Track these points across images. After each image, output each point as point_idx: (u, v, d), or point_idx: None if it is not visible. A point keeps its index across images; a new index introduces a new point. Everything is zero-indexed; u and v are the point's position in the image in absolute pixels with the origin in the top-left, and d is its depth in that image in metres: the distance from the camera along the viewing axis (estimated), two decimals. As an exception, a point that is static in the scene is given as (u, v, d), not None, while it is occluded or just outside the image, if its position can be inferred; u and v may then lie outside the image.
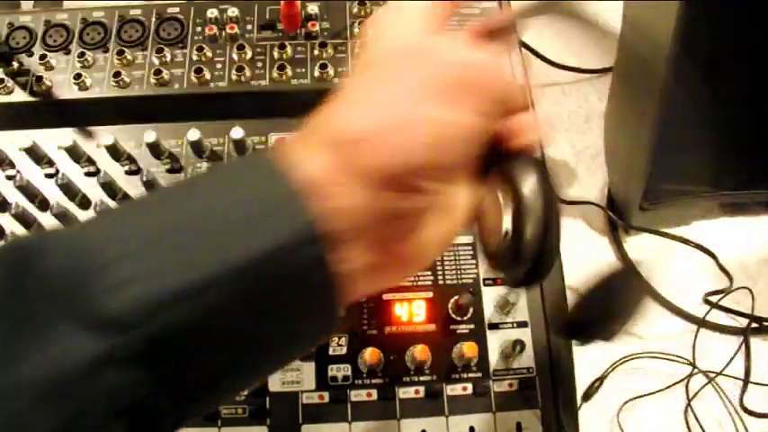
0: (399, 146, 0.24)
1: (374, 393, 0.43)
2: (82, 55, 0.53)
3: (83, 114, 0.51)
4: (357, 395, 0.43)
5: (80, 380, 0.21)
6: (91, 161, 0.50)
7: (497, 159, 0.29)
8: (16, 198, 0.48)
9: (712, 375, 0.59)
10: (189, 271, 0.22)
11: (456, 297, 0.45)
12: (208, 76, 0.52)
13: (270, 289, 0.23)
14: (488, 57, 0.28)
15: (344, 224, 0.24)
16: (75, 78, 0.52)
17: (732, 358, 0.60)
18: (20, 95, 0.52)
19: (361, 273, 0.26)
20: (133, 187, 0.49)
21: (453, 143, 0.26)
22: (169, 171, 0.50)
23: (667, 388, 0.59)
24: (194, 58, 0.53)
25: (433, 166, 0.25)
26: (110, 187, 0.48)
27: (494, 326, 0.45)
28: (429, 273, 0.47)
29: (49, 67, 0.53)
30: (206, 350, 0.23)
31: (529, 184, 0.28)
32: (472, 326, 0.45)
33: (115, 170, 0.49)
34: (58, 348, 0.21)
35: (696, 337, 0.61)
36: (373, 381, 0.44)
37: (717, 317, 0.63)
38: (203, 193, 0.24)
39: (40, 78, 0.51)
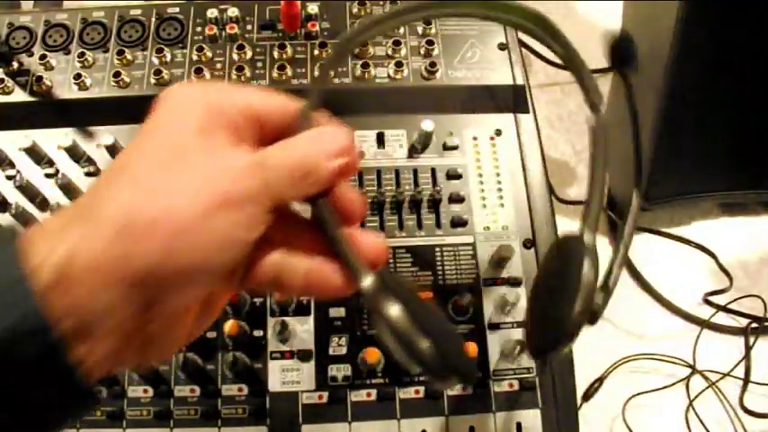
0: (168, 249, 0.23)
1: (374, 393, 0.43)
2: (82, 55, 0.53)
3: (83, 114, 0.51)
4: (357, 395, 0.43)
5: None
6: (91, 161, 0.50)
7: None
8: (16, 198, 0.48)
9: (712, 377, 0.59)
10: None
11: (456, 297, 0.45)
12: (208, 75, 0.52)
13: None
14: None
15: (84, 319, 0.23)
16: (75, 78, 0.52)
17: (734, 367, 0.60)
18: (20, 95, 0.52)
19: (100, 361, 0.24)
20: (133, 187, 0.49)
21: (227, 252, 0.25)
22: (169, 171, 0.50)
23: (666, 387, 0.59)
24: (194, 58, 0.53)
25: (202, 271, 0.24)
26: (110, 187, 0.48)
27: (494, 326, 0.45)
28: (429, 273, 0.47)
29: (49, 67, 0.53)
30: None
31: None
32: (472, 326, 0.45)
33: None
34: None
35: (697, 339, 0.61)
36: (373, 381, 0.44)
37: (717, 317, 0.63)
38: None
39: (40, 78, 0.51)
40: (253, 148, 0.27)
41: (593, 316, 0.33)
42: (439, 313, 0.29)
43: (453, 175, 0.50)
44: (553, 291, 0.33)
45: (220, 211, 0.24)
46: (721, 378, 0.59)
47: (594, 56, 0.80)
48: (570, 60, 0.38)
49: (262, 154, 0.27)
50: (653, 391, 0.59)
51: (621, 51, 0.40)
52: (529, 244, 0.48)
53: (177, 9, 0.56)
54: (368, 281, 0.27)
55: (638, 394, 0.58)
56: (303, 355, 0.44)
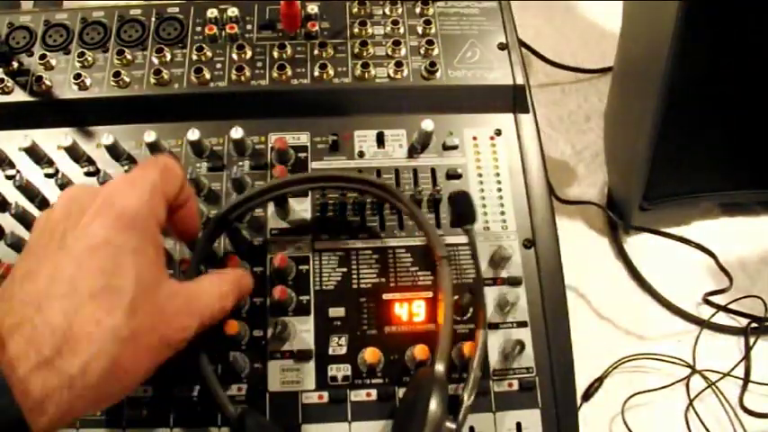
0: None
1: (374, 393, 0.43)
2: (82, 55, 0.53)
3: (83, 114, 0.51)
4: (357, 395, 0.43)
5: None
6: (91, 161, 0.50)
7: None
8: (16, 198, 0.48)
9: (712, 377, 0.59)
10: None
11: (456, 297, 0.45)
12: (208, 75, 0.52)
13: None
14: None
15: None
16: (74, 78, 0.52)
17: (734, 367, 0.60)
18: (20, 95, 0.52)
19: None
20: (133, 187, 0.49)
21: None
22: (169, 171, 0.50)
23: (665, 387, 0.59)
24: (194, 58, 0.53)
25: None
26: (110, 187, 0.48)
27: (494, 326, 0.45)
28: (429, 273, 0.47)
29: (49, 67, 0.53)
30: None
31: None
32: (472, 326, 0.45)
33: (115, 170, 0.49)
34: None
35: (697, 339, 0.62)
36: (373, 381, 0.44)
37: (717, 317, 0.63)
38: None
39: (39, 78, 0.51)
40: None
41: None
42: None
43: (453, 175, 0.50)
44: (405, 425, 0.38)
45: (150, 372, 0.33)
46: (721, 378, 0.59)
47: (594, 56, 0.80)
48: (414, 216, 0.44)
49: (196, 305, 0.35)
50: (653, 390, 0.59)
51: (459, 211, 0.47)
52: (529, 244, 0.48)
53: (177, 9, 0.56)
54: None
55: (638, 394, 0.58)
56: (303, 355, 0.44)
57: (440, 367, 0.40)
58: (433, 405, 0.37)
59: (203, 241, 0.43)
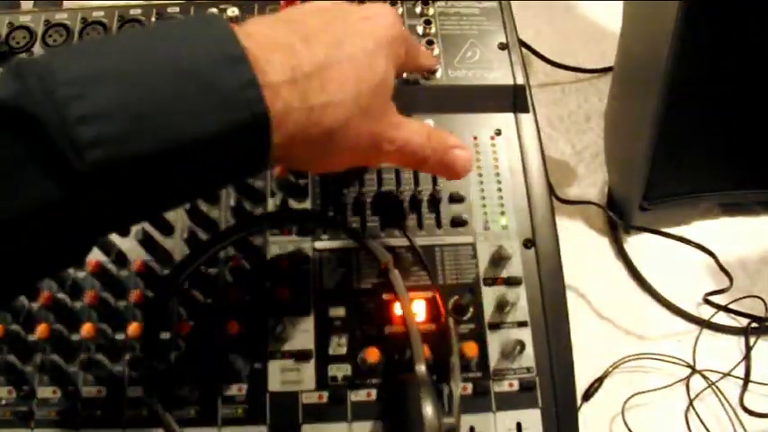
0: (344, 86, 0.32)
1: (374, 393, 0.43)
2: (82, 55, 0.52)
3: (83, 114, 0.51)
4: (357, 395, 0.43)
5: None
6: (91, 161, 0.50)
7: None
8: (16, 198, 0.48)
9: (712, 377, 0.59)
10: (150, 140, 0.25)
11: (456, 297, 0.45)
12: (208, 75, 0.52)
13: (221, 158, 0.28)
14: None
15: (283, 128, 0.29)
16: (75, 78, 0.52)
17: (734, 367, 0.60)
18: (20, 95, 0.51)
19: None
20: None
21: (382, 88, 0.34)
22: (169, 171, 0.50)
23: (665, 387, 0.59)
24: (194, 57, 0.53)
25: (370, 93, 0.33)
26: (110, 187, 0.48)
27: (494, 326, 0.45)
28: (429, 272, 0.47)
29: (49, 67, 0.53)
30: (146, 197, 0.28)
31: None
32: (472, 326, 0.45)
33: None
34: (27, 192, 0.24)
35: (697, 339, 0.62)
36: (373, 381, 0.44)
37: (717, 317, 0.63)
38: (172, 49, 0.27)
39: (39, 78, 0.51)
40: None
41: None
42: None
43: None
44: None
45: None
46: (721, 378, 0.59)
47: (594, 56, 0.80)
48: (349, 231, 0.46)
49: (407, 132, 0.38)
50: (653, 390, 0.59)
51: (387, 211, 0.48)
52: (529, 244, 0.48)
53: (177, 9, 0.56)
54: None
55: (638, 394, 0.58)
56: (303, 355, 0.44)
57: (420, 368, 0.40)
58: (427, 409, 0.37)
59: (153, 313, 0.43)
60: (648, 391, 0.59)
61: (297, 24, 0.32)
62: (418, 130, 0.38)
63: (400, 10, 0.56)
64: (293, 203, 0.48)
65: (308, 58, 0.30)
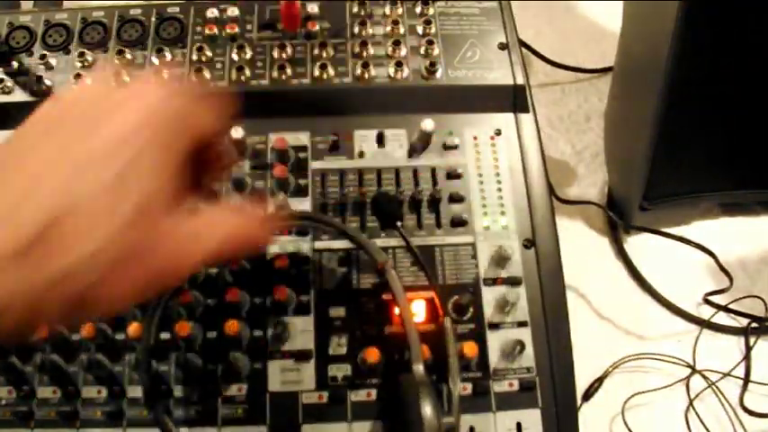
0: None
1: (374, 393, 0.43)
2: (82, 55, 0.53)
3: (83, 114, 0.51)
4: (357, 395, 0.43)
5: None
6: (91, 161, 0.50)
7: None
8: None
9: (712, 377, 0.59)
10: None
11: (456, 297, 0.45)
12: (208, 76, 0.52)
13: None
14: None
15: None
16: (75, 78, 0.52)
17: (734, 367, 0.60)
18: (20, 95, 0.52)
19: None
20: (133, 187, 0.49)
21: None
22: (169, 171, 0.50)
23: (665, 387, 0.59)
24: (194, 57, 0.53)
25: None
26: (110, 187, 0.48)
27: (494, 326, 0.45)
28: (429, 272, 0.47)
29: (49, 67, 0.53)
30: None
31: None
32: (472, 326, 0.45)
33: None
34: None
35: (697, 339, 0.62)
36: (373, 381, 0.44)
37: (717, 317, 0.63)
38: None
39: (39, 78, 0.51)
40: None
41: None
42: None
43: (453, 175, 0.50)
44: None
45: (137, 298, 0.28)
46: (721, 378, 0.59)
47: (594, 56, 0.80)
48: (345, 233, 0.45)
49: (195, 246, 0.30)
50: (653, 390, 0.59)
51: (384, 210, 0.47)
52: (529, 244, 0.48)
53: (177, 9, 0.56)
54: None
55: (638, 394, 0.58)
56: (303, 355, 0.44)
57: (419, 368, 0.40)
58: (427, 409, 0.37)
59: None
60: (648, 391, 0.59)
61: (13, 172, 0.26)
62: (220, 219, 0.32)
63: (400, 10, 0.56)
64: (293, 203, 0.48)
65: (31, 218, 0.24)
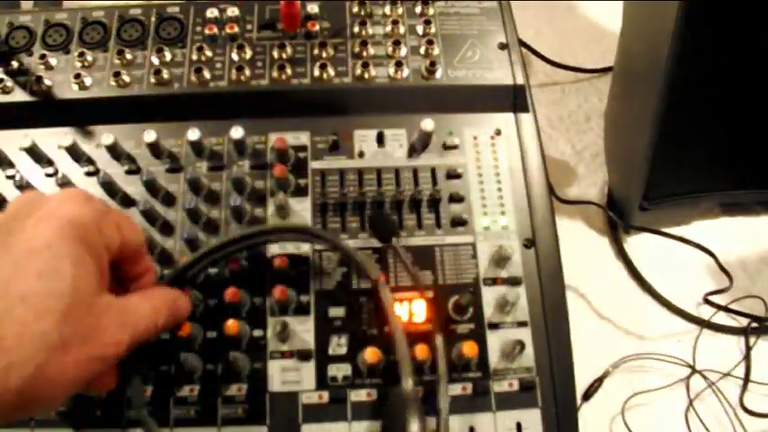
0: None
1: (374, 393, 0.43)
2: (82, 55, 0.53)
3: (83, 114, 0.51)
4: (357, 395, 0.43)
5: None
6: (91, 161, 0.50)
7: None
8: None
9: (712, 377, 0.59)
10: None
11: (456, 297, 0.45)
12: (208, 75, 0.52)
13: None
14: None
15: None
16: (74, 78, 0.52)
17: (735, 367, 0.60)
18: (20, 95, 0.52)
19: None
20: (133, 187, 0.49)
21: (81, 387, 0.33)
22: (169, 171, 0.50)
23: (665, 387, 0.59)
24: (194, 57, 0.53)
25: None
26: (110, 187, 0.48)
27: (494, 326, 0.45)
28: (429, 272, 0.47)
29: (49, 67, 0.53)
30: None
31: None
32: (472, 326, 0.45)
33: (115, 170, 0.49)
34: None
35: (697, 339, 0.62)
36: (373, 381, 0.44)
37: (717, 317, 0.63)
38: None
39: (39, 78, 0.51)
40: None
41: None
42: None
43: (453, 175, 0.50)
44: None
45: (80, 385, 0.31)
46: (721, 378, 0.59)
47: (594, 56, 0.80)
48: (340, 248, 0.45)
49: (129, 319, 0.34)
50: (653, 390, 0.59)
51: (380, 228, 0.48)
52: (529, 244, 0.48)
53: (177, 9, 0.56)
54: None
55: (638, 394, 0.58)
56: (303, 355, 0.44)
57: (407, 385, 0.40)
58: (413, 428, 0.38)
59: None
60: (648, 390, 0.59)
61: None
62: (141, 303, 0.36)
63: (400, 10, 0.56)
64: (293, 203, 0.48)
65: None
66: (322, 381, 0.43)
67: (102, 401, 0.42)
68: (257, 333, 0.45)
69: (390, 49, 0.54)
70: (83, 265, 0.31)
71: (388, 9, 0.56)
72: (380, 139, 0.51)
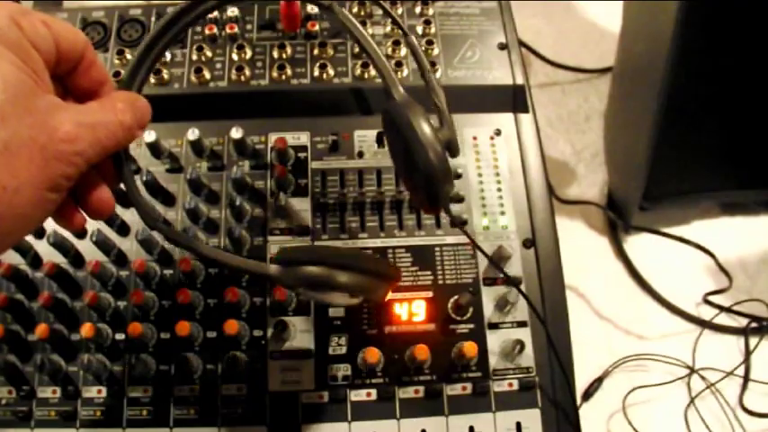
0: None
1: (374, 393, 0.43)
2: (82, 55, 0.53)
3: (83, 114, 0.51)
4: (357, 395, 0.43)
5: None
6: (91, 161, 0.50)
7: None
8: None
9: (712, 377, 0.59)
10: None
11: (456, 297, 0.45)
12: (208, 75, 0.52)
13: None
14: None
15: None
16: (75, 78, 0.52)
17: (736, 368, 0.60)
18: (20, 95, 0.51)
19: None
20: (133, 187, 0.49)
21: (45, 212, 0.30)
22: (169, 171, 0.50)
23: (666, 383, 0.59)
24: (194, 57, 0.53)
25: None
26: (110, 187, 0.48)
27: (494, 326, 0.45)
28: (429, 272, 0.47)
29: (49, 67, 0.53)
30: None
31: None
32: (472, 326, 0.45)
33: (115, 170, 0.49)
34: None
35: (697, 339, 0.62)
36: (373, 381, 0.44)
37: (717, 317, 0.63)
38: None
39: (39, 78, 0.51)
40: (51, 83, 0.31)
41: (450, 149, 0.37)
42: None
43: (453, 175, 0.50)
44: (406, 158, 0.36)
45: (51, 193, 0.29)
46: (721, 378, 0.59)
47: (594, 56, 0.80)
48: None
49: (86, 117, 0.30)
50: (653, 387, 0.59)
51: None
52: (529, 244, 0.48)
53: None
54: (272, 268, 0.34)
55: (638, 388, 0.58)
56: (303, 355, 0.44)
57: (398, 91, 0.38)
58: (423, 126, 0.35)
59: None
60: (648, 386, 0.59)
61: None
62: (100, 105, 0.32)
63: (400, 10, 0.56)
64: (293, 203, 0.48)
65: None
66: (322, 381, 0.43)
67: (103, 401, 0.43)
68: (257, 333, 0.45)
69: (390, 49, 0.54)
70: (10, 64, 0.28)
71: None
72: (380, 140, 0.51)
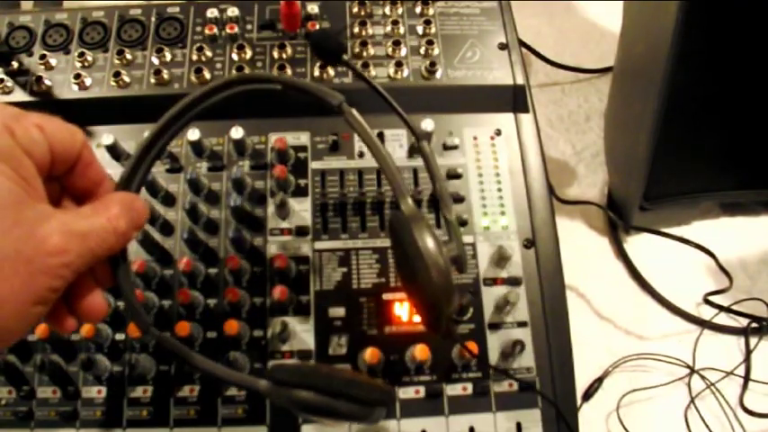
0: None
1: (374, 393, 0.43)
2: (82, 55, 0.53)
3: (83, 114, 0.51)
4: (357, 395, 0.43)
5: None
6: (91, 161, 0.50)
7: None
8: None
9: (712, 377, 0.59)
10: None
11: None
12: (208, 75, 0.52)
13: None
14: None
15: None
16: (74, 78, 0.52)
17: (736, 368, 0.60)
18: (20, 95, 0.52)
19: None
20: (133, 187, 0.49)
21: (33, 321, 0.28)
22: (169, 171, 0.50)
23: (665, 384, 0.59)
24: (194, 58, 0.53)
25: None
26: (110, 187, 0.48)
27: (494, 326, 0.45)
28: (429, 273, 0.47)
29: (49, 67, 0.53)
30: None
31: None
32: (472, 326, 0.45)
33: (115, 170, 0.49)
34: None
35: (697, 340, 0.62)
36: (373, 381, 0.44)
37: (717, 317, 0.63)
38: None
39: (39, 78, 0.51)
40: (43, 186, 0.29)
41: (456, 264, 0.36)
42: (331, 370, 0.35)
43: (453, 175, 0.50)
44: (410, 272, 0.35)
45: (36, 306, 0.27)
46: (721, 378, 0.59)
47: (594, 56, 0.80)
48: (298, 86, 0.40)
49: (76, 226, 0.29)
50: (652, 387, 0.59)
51: (324, 49, 0.42)
52: (529, 244, 0.48)
53: (177, 9, 0.56)
54: (262, 384, 0.34)
55: (637, 390, 0.58)
56: (303, 355, 0.44)
57: (407, 202, 0.35)
58: (427, 241, 0.33)
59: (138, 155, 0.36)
60: (648, 387, 0.59)
61: None
62: (92, 211, 0.31)
63: (400, 10, 0.56)
64: (293, 203, 0.48)
65: None
66: (322, 381, 0.43)
67: (103, 401, 0.43)
68: (257, 333, 0.45)
69: (390, 49, 0.54)
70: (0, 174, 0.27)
71: (388, 9, 0.56)
72: (380, 140, 0.51)
